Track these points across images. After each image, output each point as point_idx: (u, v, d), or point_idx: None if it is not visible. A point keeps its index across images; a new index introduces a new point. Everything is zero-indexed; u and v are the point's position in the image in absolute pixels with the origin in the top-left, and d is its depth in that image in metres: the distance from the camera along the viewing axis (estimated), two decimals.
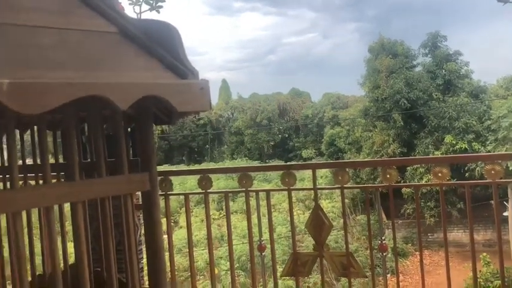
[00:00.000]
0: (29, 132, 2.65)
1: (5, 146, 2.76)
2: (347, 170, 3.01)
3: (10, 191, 1.42)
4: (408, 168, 19.61)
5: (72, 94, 1.19)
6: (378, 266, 7.90)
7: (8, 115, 1.37)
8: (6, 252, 2.74)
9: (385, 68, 22.37)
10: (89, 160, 2.52)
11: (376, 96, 22.41)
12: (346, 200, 16.18)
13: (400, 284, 3.32)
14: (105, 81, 1.28)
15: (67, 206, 2.44)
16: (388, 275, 3.50)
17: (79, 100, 1.21)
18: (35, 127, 2.42)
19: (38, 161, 2.48)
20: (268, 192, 3.21)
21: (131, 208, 1.77)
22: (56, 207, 1.69)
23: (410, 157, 18.72)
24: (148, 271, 1.90)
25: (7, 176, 2.51)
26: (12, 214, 1.38)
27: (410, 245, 18.43)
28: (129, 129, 2.45)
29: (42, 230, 2.44)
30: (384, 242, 2.94)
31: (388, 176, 2.82)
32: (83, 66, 1.34)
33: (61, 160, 2.59)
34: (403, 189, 18.22)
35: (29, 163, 2.71)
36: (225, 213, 3.49)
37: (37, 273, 2.48)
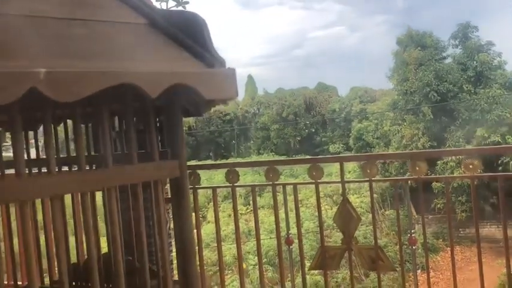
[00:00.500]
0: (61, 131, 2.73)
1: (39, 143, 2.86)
2: (375, 163, 2.98)
3: (46, 176, 1.48)
4: (438, 162, 19.22)
5: (104, 82, 1.24)
6: (408, 261, 7.79)
7: (44, 107, 1.42)
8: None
9: (413, 61, 21.95)
10: (119, 152, 2.58)
11: (405, 89, 22.03)
12: (375, 195, 15.93)
13: (431, 280, 3.27)
14: (136, 70, 1.32)
15: (98, 201, 2.51)
16: (419, 271, 3.45)
17: (111, 89, 1.25)
18: (68, 121, 2.50)
19: (70, 155, 2.55)
20: (295, 185, 3.21)
21: (162, 195, 1.81)
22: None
23: (440, 149, 18.34)
24: (177, 262, 1.93)
25: (43, 169, 2.61)
26: (50, 199, 1.44)
27: (441, 240, 18.10)
28: (157, 125, 2.51)
29: (75, 222, 2.51)
30: (413, 235, 2.90)
31: (417, 168, 2.78)
32: (113, 56, 1.39)
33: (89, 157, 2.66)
34: (434, 184, 17.89)
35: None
36: (252, 209, 3.51)
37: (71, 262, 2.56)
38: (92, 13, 1.44)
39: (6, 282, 3.04)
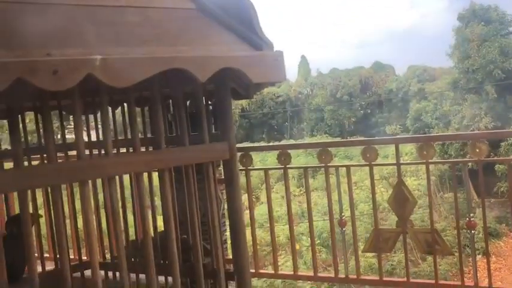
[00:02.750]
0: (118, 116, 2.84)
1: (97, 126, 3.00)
2: (433, 144, 2.89)
3: (103, 158, 1.56)
4: (502, 143, 18.25)
5: (155, 68, 1.29)
6: (467, 246, 7.51)
7: (101, 92, 1.49)
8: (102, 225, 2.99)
9: (476, 37, 20.82)
10: (174, 135, 2.66)
11: (467, 67, 20.99)
12: (433, 177, 15.42)
13: (493, 265, 3.15)
14: (186, 55, 1.36)
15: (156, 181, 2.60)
16: (479, 256, 3.32)
17: (162, 74, 1.29)
18: (125, 104, 2.60)
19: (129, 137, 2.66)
20: (348, 167, 3.17)
21: (213, 175, 1.86)
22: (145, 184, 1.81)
23: (503, 130, 17.36)
24: (231, 240, 1.98)
25: (102, 151, 2.74)
26: (107, 179, 1.51)
27: (504, 225, 17.26)
28: (210, 108, 2.56)
29: (134, 201, 2.63)
30: (472, 218, 2.80)
31: (477, 150, 2.66)
32: (165, 41, 1.43)
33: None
34: (497, 166, 17.01)
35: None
36: (305, 190, 3.51)
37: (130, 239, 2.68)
38: (145, 0, 1.49)
39: (72, 257, 3.24)
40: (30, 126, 3.66)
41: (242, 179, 3.05)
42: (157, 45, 1.39)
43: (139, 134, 2.25)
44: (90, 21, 1.34)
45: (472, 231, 2.82)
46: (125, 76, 1.24)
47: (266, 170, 3.44)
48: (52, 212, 2.43)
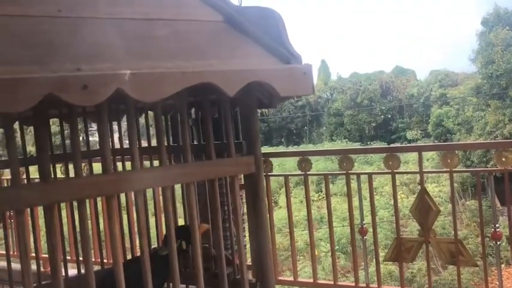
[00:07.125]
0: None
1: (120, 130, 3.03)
2: (456, 152, 2.83)
3: (131, 173, 1.57)
4: None
5: (185, 82, 1.29)
6: (490, 255, 7.34)
7: (128, 101, 1.50)
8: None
9: (501, 41, 20.44)
10: (195, 143, 2.67)
11: (490, 73, 20.61)
12: (455, 184, 15.14)
13: None
14: (214, 69, 1.35)
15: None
16: (503, 266, 3.23)
17: (191, 87, 1.28)
18: (149, 112, 2.62)
19: (152, 144, 2.68)
20: (370, 175, 3.13)
21: (238, 189, 1.85)
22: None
23: None
24: (251, 248, 1.97)
25: (126, 156, 2.77)
26: (134, 193, 1.52)
27: None
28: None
29: (156, 208, 2.64)
30: (497, 229, 2.73)
31: (503, 159, 2.60)
32: (193, 55, 1.43)
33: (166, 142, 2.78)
34: None
35: (144, 145, 2.94)
36: (324, 195, 3.49)
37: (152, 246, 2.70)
38: (173, 13, 1.49)
39: (93, 260, 3.28)
40: (54, 128, 3.71)
41: None
42: (186, 58, 1.39)
43: None
44: (120, 35, 1.35)
45: (497, 242, 2.75)
46: (153, 91, 1.24)
47: (286, 177, 3.42)
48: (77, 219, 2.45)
